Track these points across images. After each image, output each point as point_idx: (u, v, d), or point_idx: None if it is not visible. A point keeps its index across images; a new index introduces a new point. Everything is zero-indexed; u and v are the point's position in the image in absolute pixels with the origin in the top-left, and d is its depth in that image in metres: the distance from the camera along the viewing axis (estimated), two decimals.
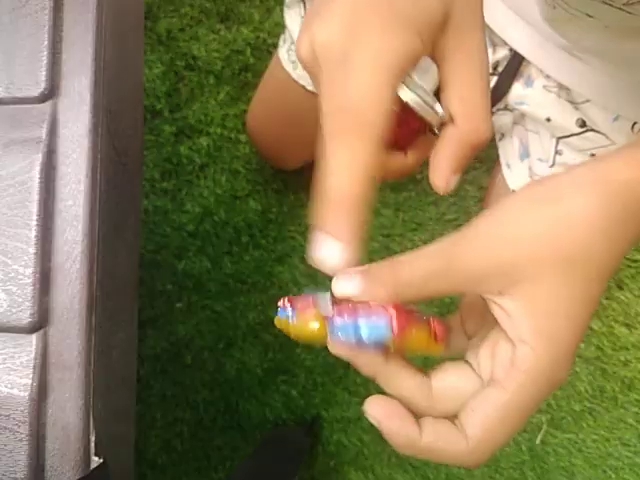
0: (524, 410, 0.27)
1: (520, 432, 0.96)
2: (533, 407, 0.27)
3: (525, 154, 0.61)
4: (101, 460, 0.39)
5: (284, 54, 0.72)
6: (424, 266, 0.27)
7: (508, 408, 0.27)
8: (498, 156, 0.66)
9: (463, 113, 0.28)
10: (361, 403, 1.05)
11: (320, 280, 1.15)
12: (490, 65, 0.58)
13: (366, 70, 0.26)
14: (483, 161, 0.96)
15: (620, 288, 0.95)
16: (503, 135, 0.65)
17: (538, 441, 0.95)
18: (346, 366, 0.97)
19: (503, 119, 0.63)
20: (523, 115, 0.60)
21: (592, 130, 0.55)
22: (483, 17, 0.28)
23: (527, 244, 0.26)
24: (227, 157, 1.01)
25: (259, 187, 1.01)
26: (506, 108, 0.62)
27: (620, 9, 0.37)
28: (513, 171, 0.63)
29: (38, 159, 0.40)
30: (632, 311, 0.95)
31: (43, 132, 0.41)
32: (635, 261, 0.95)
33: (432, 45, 0.28)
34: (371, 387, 0.96)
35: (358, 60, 0.26)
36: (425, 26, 0.26)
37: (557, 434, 0.95)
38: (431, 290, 0.27)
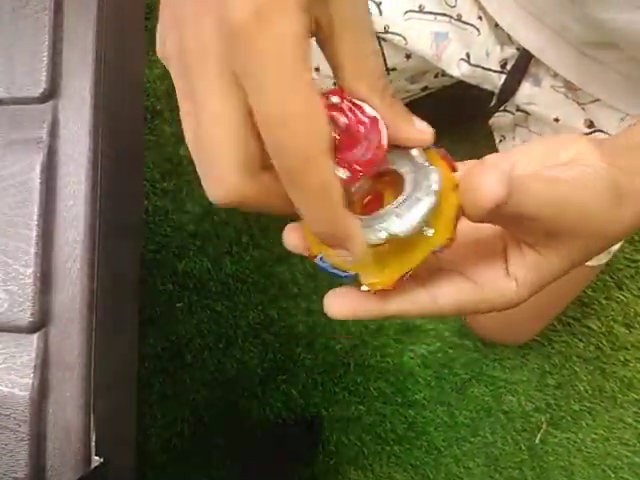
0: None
1: (520, 431, 0.96)
2: (458, 312, 0.28)
3: None
4: (101, 460, 0.39)
5: None
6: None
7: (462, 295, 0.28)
8: None
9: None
10: (361, 402, 1.05)
11: (320, 280, 1.15)
12: (498, 63, 0.58)
13: None
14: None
15: (619, 288, 0.95)
16: (504, 137, 0.65)
17: (537, 440, 0.96)
18: (346, 365, 0.97)
19: (504, 120, 0.63)
20: (527, 116, 0.60)
21: (600, 131, 0.55)
22: None
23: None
24: None
25: None
26: (506, 110, 0.62)
27: None
28: None
29: (39, 159, 0.40)
30: (631, 311, 0.95)
31: (44, 132, 0.41)
32: (634, 261, 0.95)
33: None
34: (371, 387, 0.97)
35: None
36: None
37: (556, 433, 0.95)
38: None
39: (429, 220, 0.25)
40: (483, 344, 0.96)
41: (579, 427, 0.95)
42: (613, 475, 0.94)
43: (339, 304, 0.27)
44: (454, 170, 0.26)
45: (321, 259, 0.26)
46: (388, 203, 0.26)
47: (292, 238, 0.28)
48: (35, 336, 0.39)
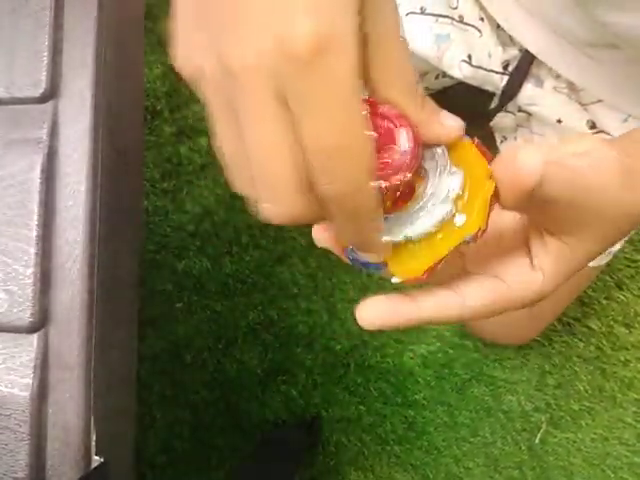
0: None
1: (519, 431, 0.96)
2: (490, 312, 0.28)
3: None
4: (101, 459, 0.39)
5: None
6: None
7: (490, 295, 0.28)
8: None
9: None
10: (361, 403, 1.04)
11: (320, 280, 1.15)
12: (500, 64, 0.58)
13: None
14: None
15: (619, 288, 0.95)
16: (505, 138, 0.65)
17: (537, 440, 0.95)
18: (346, 366, 0.97)
19: (505, 121, 0.63)
20: (529, 117, 0.60)
21: (602, 132, 0.55)
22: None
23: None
24: None
25: None
26: (507, 110, 0.62)
27: None
28: None
29: (39, 159, 0.40)
30: (631, 311, 0.95)
31: (44, 132, 0.41)
32: (634, 261, 0.95)
33: None
34: (371, 387, 0.97)
35: None
36: None
37: (556, 433, 0.95)
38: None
39: (459, 210, 0.25)
40: (483, 344, 0.96)
41: (579, 427, 0.95)
42: (613, 475, 0.94)
43: (371, 313, 0.27)
44: (487, 158, 0.26)
45: (351, 250, 0.26)
46: (416, 195, 0.26)
47: (320, 231, 0.28)
48: (35, 336, 0.39)
